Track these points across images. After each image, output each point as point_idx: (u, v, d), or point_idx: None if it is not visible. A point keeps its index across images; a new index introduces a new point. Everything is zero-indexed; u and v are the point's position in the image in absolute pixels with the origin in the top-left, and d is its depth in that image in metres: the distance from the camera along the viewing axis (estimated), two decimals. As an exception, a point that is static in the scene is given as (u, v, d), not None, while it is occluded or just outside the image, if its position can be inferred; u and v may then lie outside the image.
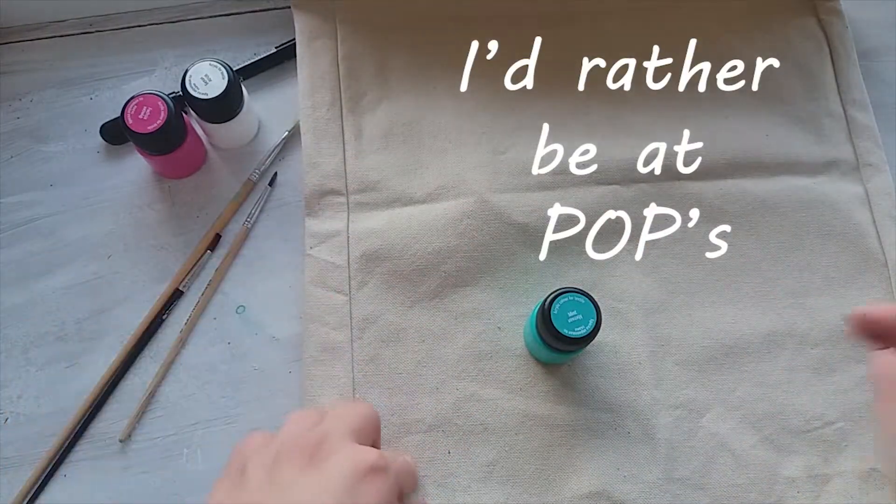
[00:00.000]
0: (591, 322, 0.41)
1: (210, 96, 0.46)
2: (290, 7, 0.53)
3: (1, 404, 0.47)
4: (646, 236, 0.49)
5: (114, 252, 0.50)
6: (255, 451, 0.33)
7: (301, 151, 0.50)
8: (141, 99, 0.46)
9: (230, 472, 0.34)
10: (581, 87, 0.52)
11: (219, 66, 0.46)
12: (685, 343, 0.47)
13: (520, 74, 0.52)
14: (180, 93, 0.47)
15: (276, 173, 0.52)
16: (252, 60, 0.53)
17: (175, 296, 0.48)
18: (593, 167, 0.49)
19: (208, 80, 0.46)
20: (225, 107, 0.47)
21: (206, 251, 0.49)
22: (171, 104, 0.46)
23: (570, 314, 0.41)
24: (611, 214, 0.49)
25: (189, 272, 0.49)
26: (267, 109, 0.53)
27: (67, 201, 0.51)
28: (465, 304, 0.47)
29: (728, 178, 0.50)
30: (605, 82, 0.52)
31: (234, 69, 0.48)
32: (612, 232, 0.49)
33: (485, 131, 0.50)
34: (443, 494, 0.43)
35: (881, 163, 0.51)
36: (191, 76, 0.46)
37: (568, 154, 0.50)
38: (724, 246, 0.49)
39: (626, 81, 0.52)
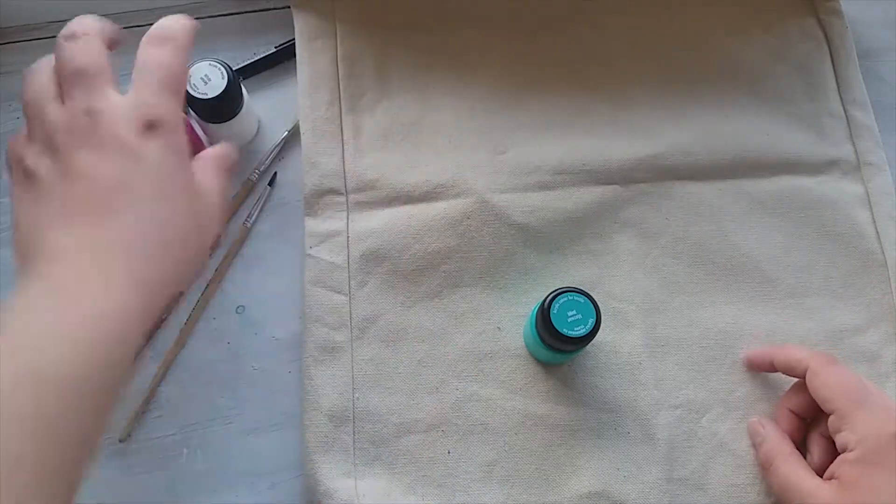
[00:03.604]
0: (591, 322, 0.41)
1: (210, 96, 0.46)
2: (289, 7, 0.53)
3: (1, 404, 0.47)
4: (646, 236, 0.49)
5: (114, 252, 0.50)
6: (26, 148, 0.33)
7: (301, 151, 0.50)
8: None
9: (15, 180, 0.33)
10: (581, 87, 0.52)
11: (219, 66, 0.46)
12: (685, 343, 0.47)
13: (519, 74, 0.52)
14: None
15: (275, 173, 0.52)
16: (252, 60, 0.53)
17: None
18: (593, 167, 0.49)
19: (208, 79, 0.46)
20: (225, 107, 0.48)
21: (206, 251, 0.49)
22: None
23: (570, 314, 0.41)
24: (611, 214, 0.49)
25: (189, 272, 0.49)
26: (267, 109, 0.53)
27: (67, 201, 0.51)
28: (464, 305, 0.47)
29: (728, 178, 0.50)
30: (605, 82, 0.52)
31: (234, 69, 0.48)
32: (612, 232, 0.49)
33: (485, 131, 0.50)
34: (443, 494, 0.43)
35: (881, 163, 0.51)
36: (190, 76, 0.46)
37: (568, 154, 0.50)
38: (724, 246, 0.49)
39: (627, 81, 0.52)
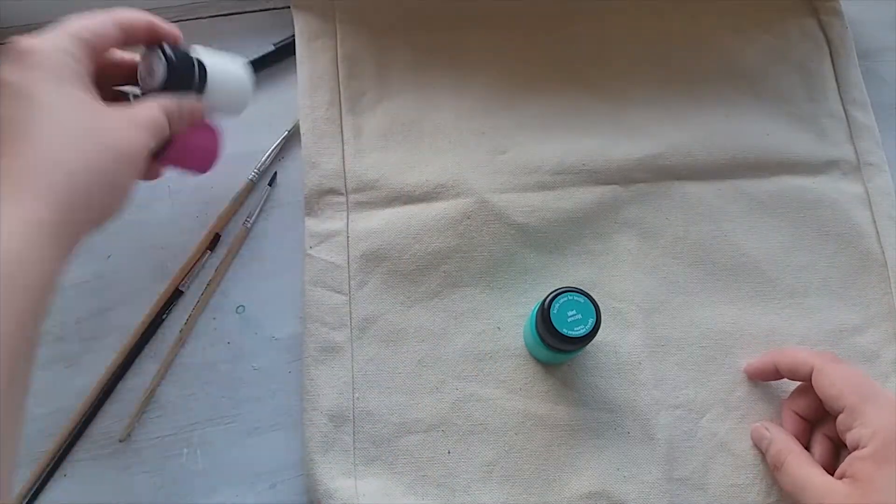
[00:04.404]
0: (591, 321, 0.41)
1: (156, 86, 0.41)
2: (289, 7, 0.53)
3: (1, 404, 0.47)
4: (646, 236, 0.49)
5: (114, 252, 0.50)
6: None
7: (301, 151, 0.50)
8: None
9: None
10: (581, 86, 0.52)
11: (157, 51, 0.41)
12: (685, 343, 0.47)
13: (519, 73, 0.52)
14: None
15: (275, 173, 0.52)
16: (251, 59, 0.53)
17: (175, 296, 0.49)
18: (593, 167, 0.49)
19: (152, 71, 0.41)
20: (183, 85, 0.42)
21: (206, 251, 0.49)
22: None
23: (570, 314, 0.41)
24: (611, 214, 0.49)
25: (189, 272, 0.49)
26: (266, 109, 0.53)
27: (67, 201, 0.51)
28: (464, 304, 0.47)
29: (728, 178, 0.50)
30: (605, 82, 0.52)
31: None
32: (611, 232, 0.49)
33: (485, 131, 0.50)
34: (443, 494, 0.43)
35: (881, 163, 0.51)
36: (141, 72, 0.41)
37: (568, 154, 0.50)
38: (724, 246, 0.49)
39: (627, 81, 0.52)
